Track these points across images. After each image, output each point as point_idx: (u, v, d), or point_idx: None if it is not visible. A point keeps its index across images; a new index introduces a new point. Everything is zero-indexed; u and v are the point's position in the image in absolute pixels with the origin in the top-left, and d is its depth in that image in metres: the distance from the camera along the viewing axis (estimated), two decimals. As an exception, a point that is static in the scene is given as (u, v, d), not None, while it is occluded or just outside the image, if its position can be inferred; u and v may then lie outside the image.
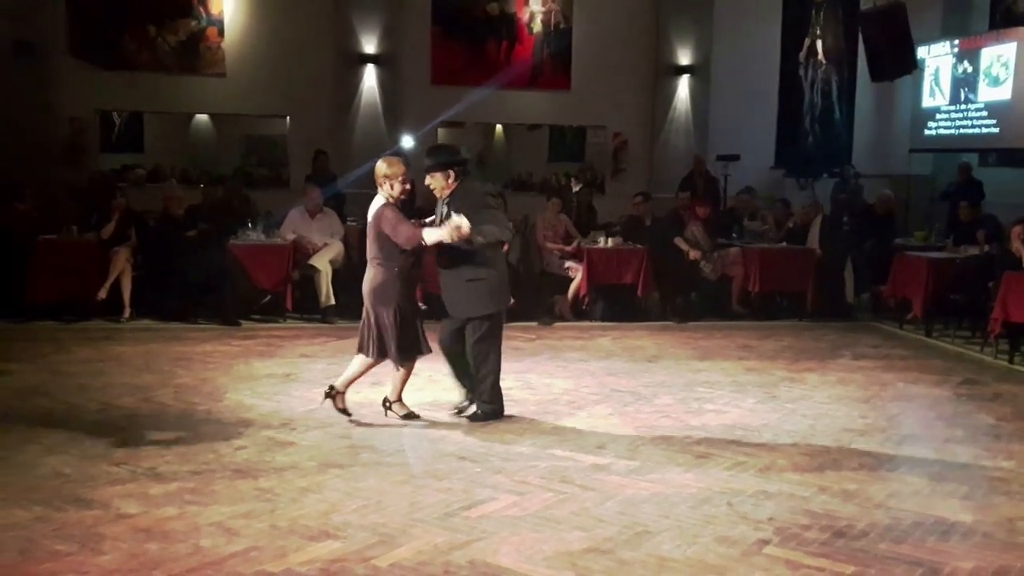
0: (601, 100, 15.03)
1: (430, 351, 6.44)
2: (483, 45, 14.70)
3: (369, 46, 13.97)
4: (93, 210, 10.49)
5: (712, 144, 14.84)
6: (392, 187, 6.24)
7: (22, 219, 10.26)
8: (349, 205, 12.31)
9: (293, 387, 7.39)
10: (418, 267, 6.52)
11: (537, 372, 8.05)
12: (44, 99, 13.18)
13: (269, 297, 10.43)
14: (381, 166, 6.30)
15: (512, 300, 6.94)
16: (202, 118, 17.34)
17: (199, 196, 11.78)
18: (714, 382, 7.94)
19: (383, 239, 6.20)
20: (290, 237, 10.44)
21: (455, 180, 6.34)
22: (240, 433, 6.11)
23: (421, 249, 6.23)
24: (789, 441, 6.25)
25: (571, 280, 10.75)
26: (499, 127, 18.45)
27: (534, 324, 10.31)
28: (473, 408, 6.65)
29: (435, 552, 4.31)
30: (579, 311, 10.80)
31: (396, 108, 14.22)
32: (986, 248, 10.46)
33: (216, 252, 9.96)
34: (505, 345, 6.74)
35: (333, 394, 6.48)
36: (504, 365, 6.80)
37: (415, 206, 12.09)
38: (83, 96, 13.49)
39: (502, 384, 6.71)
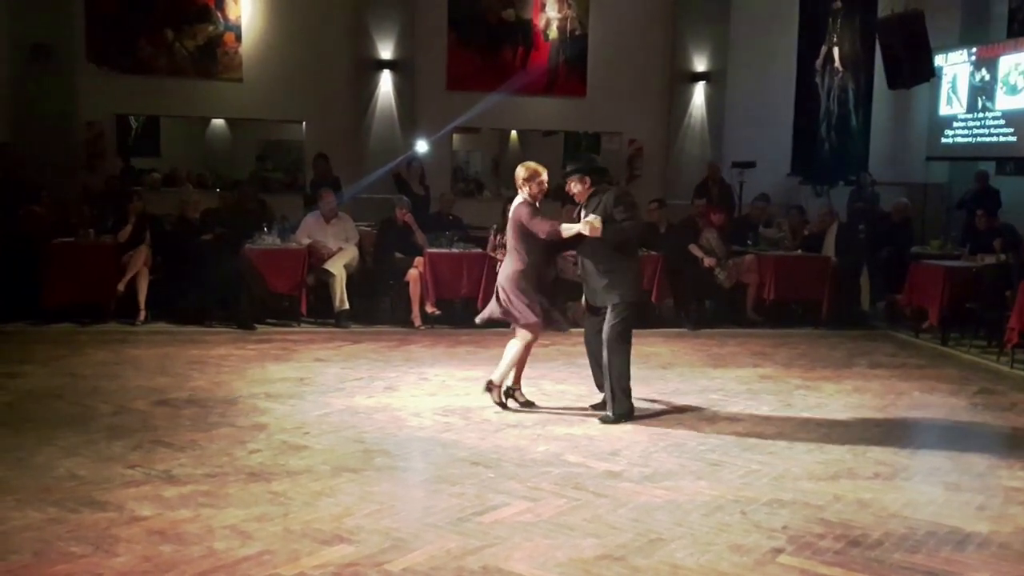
0: (616, 107, 15.03)
1: (564, 328, 7.29)
2: (499, 51, 14.72)
3: (385, 52, 14.00)
4: (109, 213, 10.55)
5: (728, 151, 14.82)
6: (529, 188, 6.94)
7: (38, 222, 10.33)
8: (363, 209, 12.31)
9: (307, 391, 7.40)
10: (550, 263, 7.23)
11: (551, 378, 8.05)
12: (61, 103, 13.23)
13: (287, 303, 10.46)
14: (520, 171, 7.04)
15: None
16: (218, 123, 17.42)
17: (215, 200, 11.83)
18: (728, 390, 7.92)
19: (521, 232, 6.92)
20: (305, 242, 10.47)
21: (591, 185, 6.96)
22: (254, 436, 6.13)
23: (561, 241, 6.87)
24: (804, 449, 6.22)
25: (585, 286, 10.74)
26: (514, 133, 18.46)
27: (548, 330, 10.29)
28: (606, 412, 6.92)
29: (448, 557, 4.31)
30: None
31: (411, 113, 14.25)
32: (1003, 257, 10.41)
33: (232, 256, 10.00)
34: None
35: (502, 389, 7.10)
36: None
37: (430, 211, 12.16)
38: (100, 100, 13.55)
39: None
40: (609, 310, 6.83)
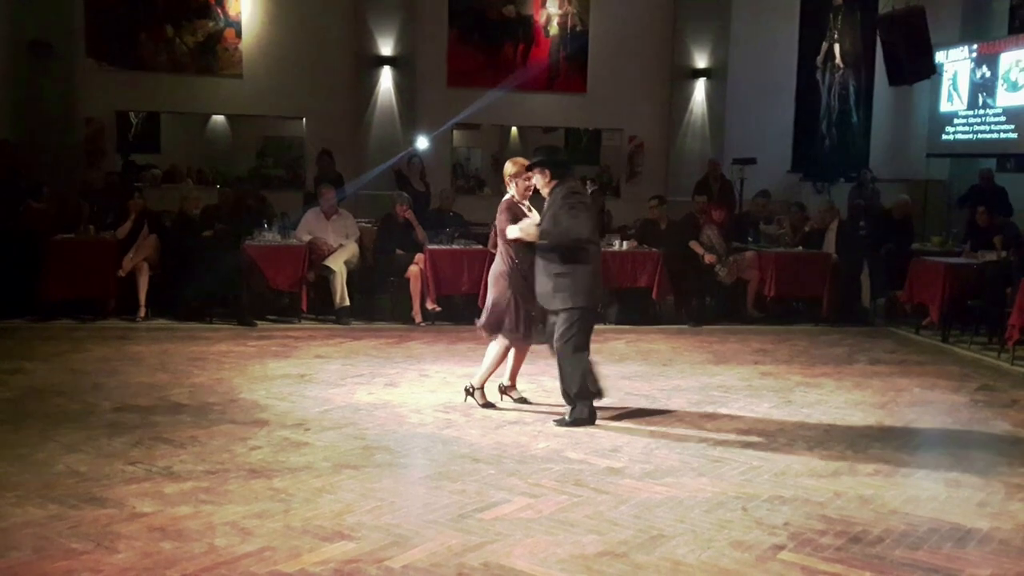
0: (617, 103, 15.02)
1: (532, 342, 6.91)
2: (499, 47, 14.72)
3: (386, 48, 13.99)
4: (109, 210, 10.54)
5: (728, 147, 14.82)
6: (517, 184, 6.79)
7: (38, 218, 10.32)
8: (364, 206, 12.30)
9: (308, 388, 7.40)
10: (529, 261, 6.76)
11: (551, 375, 7.98)
12: (62, 99, 13.23)
13: (287, 299, 10.45)
14: (508, 167, 6.86)
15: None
16: (218, 119, 17.38)
17: (215, 197, 11.83)
18: (729, 386, 7.92)
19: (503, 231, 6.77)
20: (306, 238, 10.46)
21: (552, 179, 6.61)
22: (255, 433, 6.12)
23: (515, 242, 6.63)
24: (804, 446, 6.22)
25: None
26: (514, 129, 18.44)
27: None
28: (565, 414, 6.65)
29: (449, 554, 4.31)
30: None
31: (412, 110, 14.25)
32: (1003, 254, 10.40)
33: (232, 253, 9.99)
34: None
35: (471, 391, 6.97)
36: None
37: (430, 207, 12.16)
38: (100, 96, 13.56)
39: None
40: (558, 316, 6.53)
